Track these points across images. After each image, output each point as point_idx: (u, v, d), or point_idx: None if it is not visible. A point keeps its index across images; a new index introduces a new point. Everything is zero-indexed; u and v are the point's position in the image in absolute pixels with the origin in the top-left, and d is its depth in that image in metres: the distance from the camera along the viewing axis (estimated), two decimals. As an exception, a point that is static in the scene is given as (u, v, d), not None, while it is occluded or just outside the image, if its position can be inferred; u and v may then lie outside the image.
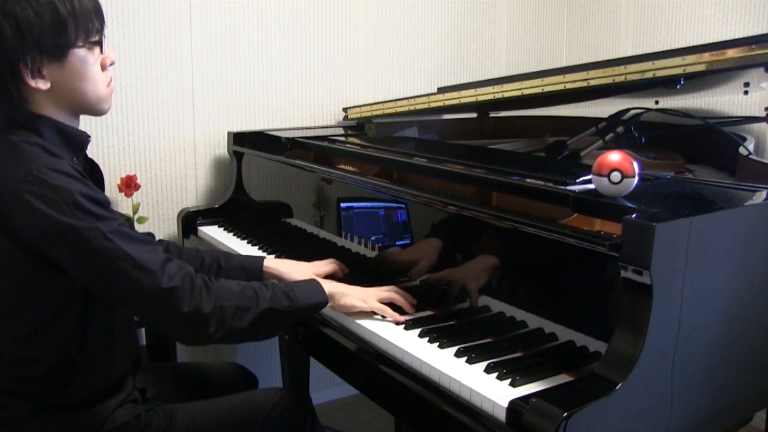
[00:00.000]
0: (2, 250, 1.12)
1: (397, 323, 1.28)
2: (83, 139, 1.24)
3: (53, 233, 1.07)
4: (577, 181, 1.17)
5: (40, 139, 1.15)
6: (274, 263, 1.53)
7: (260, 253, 1.79)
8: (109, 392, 1.25)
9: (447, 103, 1.90)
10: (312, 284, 1.30)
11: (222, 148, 2.28)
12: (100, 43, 1.20)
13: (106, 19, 1.21)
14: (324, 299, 1.28)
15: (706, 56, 1.33)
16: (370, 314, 1.32)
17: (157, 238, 1.57)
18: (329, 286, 1.30)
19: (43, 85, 1.14)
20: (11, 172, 1.09)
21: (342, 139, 2.03)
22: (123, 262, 1.09)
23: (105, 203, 1.13)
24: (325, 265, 1.54)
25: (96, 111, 1.23)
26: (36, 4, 1.10)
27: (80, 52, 1.16)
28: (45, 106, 1.17)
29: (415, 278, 1.43)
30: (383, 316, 1.31)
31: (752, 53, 1.30)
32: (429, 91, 2.12)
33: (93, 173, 1.31)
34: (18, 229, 1.09)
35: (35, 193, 1.06)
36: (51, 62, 1.13)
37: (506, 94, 1.69)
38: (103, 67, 1.21)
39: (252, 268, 1.52)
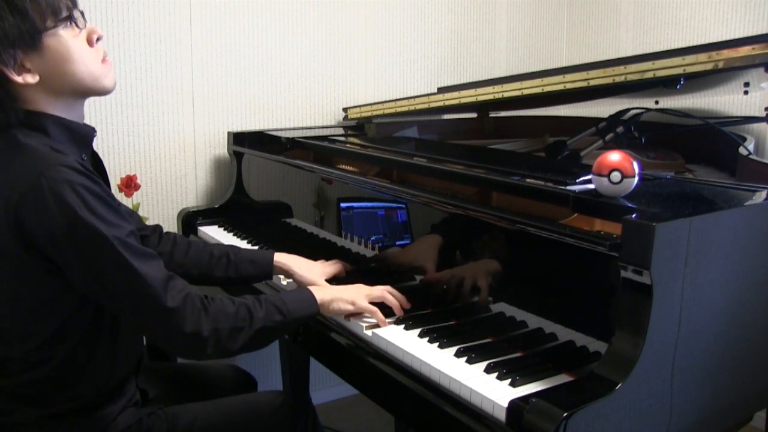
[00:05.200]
0: (14, 257, 1.09)
1: (397, 321, 1.28)
2: (89, 133, 1.22)
3: (62, 234, 1.05)
4: (577, 181, 1.17)
5: (47, 138, 1.12)
6: (284, 258, 1.53)
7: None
8: (113, 396, 1.24)
9: (447, 103, 1.90)
10: (303, 295, 1.29)
11: (222, 148, 2.28)
12: (73, 19, 1.12)
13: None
14: (315, 310, 1.29)
15: (706, 56, 1.33)
16: (367, 315, 1.32)
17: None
18: (320, 295, 1.30)
19: (31, 78, 1.10)
20: (21, 173, 1.07)
21: (342, 139, 2.03)
22: (128, 276, 1.07)
23: (116, 208, 1.11)
24: (330, 266, 1.55)
25: (97, 90, 1.17)
26: None
27: (55, 34, 1.09)
28: (43, 102, 1.13)
29: (415, 278, 1.43)
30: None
31: (752, 53, 1.30)
32: (429, 91, 2.12)
33: (98, 168, 1.30)
34: (29, 232, 1.06)
35: (47, 192, 1.04)
36: (28, 53, 1.08)
37: (506, 94, 1.69)
38: (90, 43, 1.15)
39: (262, 262, 1.52)
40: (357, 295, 1.32)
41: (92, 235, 1.05)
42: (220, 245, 1.54)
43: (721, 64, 1.32)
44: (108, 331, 1.20)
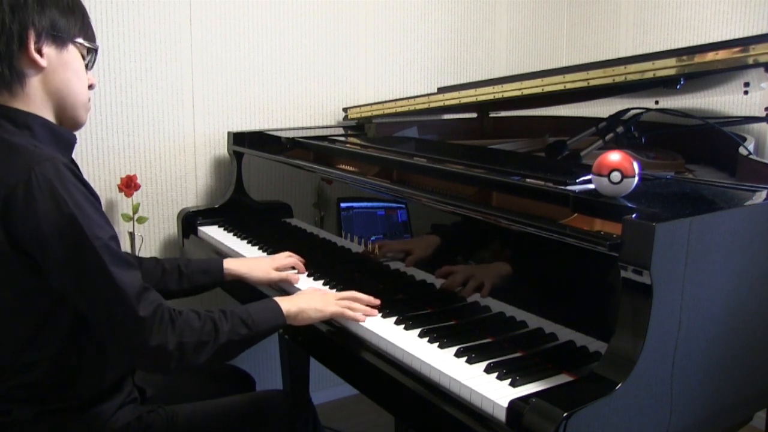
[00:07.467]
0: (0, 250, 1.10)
1: (397, 321, 1.28)
2: (71, 139, 1.24)
3: (48, 228, 1.06)
4: (577, 181, 1.17)
5: (32, 138, 1.15)
6: (234, 264, 1.57)
7: (260, 253, 1.80)
8: (110, 393, 1.25)
9: (447, 103, 1.90)
10: (270, 307, 1.29)
11: (222, 148, 2.28)
12: (92, 52, 1.24)
13: (102, 34, 1.25)
14: (282, 321, 1.29)
15: (706, 56, 1.33)
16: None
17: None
18: (287, 305, 1.30)
19: (41, 62, 1.15)
20: (10, 168, 1.08)
21: (342, 139, 2.03)
22: (103, 279, 1.08)
23: (102, 211, 1.12)
24: (284, 259, 1.59)
25: (75, 115, 1.23)
26: None
27: (77, 51, 1.20)
28: (35, 94, 1.16)
29: (415, 278, 1.43)
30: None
31: (752, 53, 1.30)
32: (429, 91, 2.13)
33: None
34: (14, 225, 1.07)
35: (37, 186, 1.05)
36: (52, 44, 1.16)
37: (506, 94, 1.69)
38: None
39: (213, 271, 1.55)
40: (325, 301, 1.34)
41: (75, 233, 1.07)
42: (170, 259, 1.56)
43: (720, 65, 1.32)
44: (94, 332, 1.20)
